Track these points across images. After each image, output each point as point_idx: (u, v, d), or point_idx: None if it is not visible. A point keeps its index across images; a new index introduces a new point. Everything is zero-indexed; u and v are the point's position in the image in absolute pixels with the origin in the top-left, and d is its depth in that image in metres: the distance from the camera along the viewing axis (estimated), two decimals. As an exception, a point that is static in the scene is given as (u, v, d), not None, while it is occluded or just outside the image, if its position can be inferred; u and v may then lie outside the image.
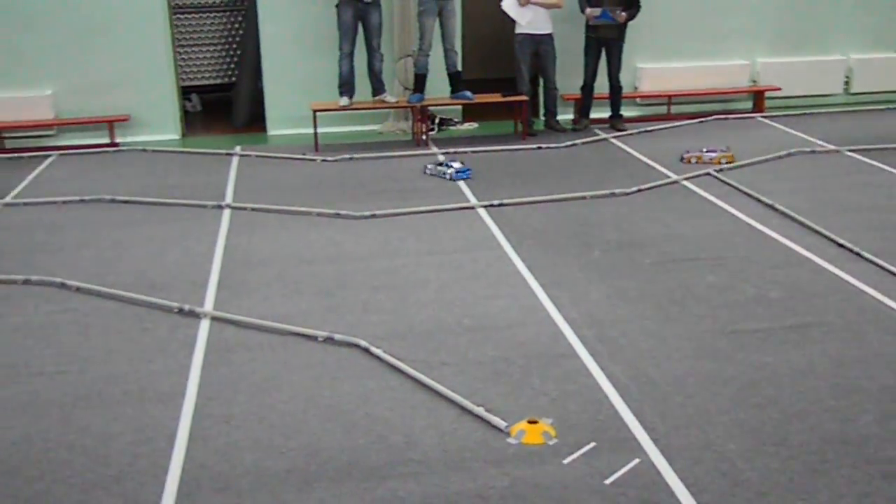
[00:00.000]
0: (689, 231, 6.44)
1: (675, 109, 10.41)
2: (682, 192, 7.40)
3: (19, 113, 9.39)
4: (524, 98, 9.53)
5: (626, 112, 10.04)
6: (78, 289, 5.56)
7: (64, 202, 7.44)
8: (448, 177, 7.82)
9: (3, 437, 3.93)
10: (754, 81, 10.67)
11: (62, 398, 4.26)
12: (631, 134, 9.55)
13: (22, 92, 9.45)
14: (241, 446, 3.83)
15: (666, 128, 9.78)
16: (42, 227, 6.83)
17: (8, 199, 7.55)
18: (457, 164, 7.95)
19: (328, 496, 3.47)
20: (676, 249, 6.07)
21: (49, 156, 9.13)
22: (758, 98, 10.61)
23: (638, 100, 10.44)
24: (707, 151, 8.27)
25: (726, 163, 8.13)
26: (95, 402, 4.22)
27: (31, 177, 8.29)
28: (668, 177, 7.78)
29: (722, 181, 7.63)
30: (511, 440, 3.85)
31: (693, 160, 8.23)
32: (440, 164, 8.03)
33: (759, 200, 7.04)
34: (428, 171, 8.07)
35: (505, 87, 9.83)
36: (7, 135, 9.49)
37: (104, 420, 4.06)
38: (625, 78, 9.80)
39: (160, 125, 9.87)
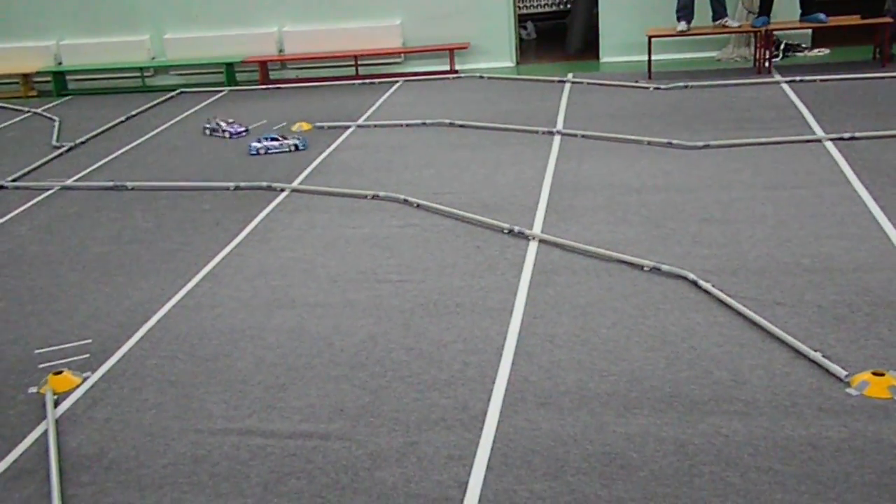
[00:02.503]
0: None
1: None
2: None
3: (373, 42, 10.18)
4: (888, 20, 8.51)
5: None
6: (419, 205, 5.95)
7: (407, 125, 7.96)
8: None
9: (353, 334, 4.36)
10: None
11: (403, 304, 4.62)
12: None
13: (375, 22, 10.21)
14: (563, 366, 3.91)
15: None
16: (388, 148, 7.38)
17: (360, 122, 8.23)
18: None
19: (649, 424, 3.45)
20: None
21: (396, 81, 9.80)
22: None
23: None
24: None
25: None
26: (432, 311, 4.52)
27: (380, 100, 8.96)
28: None
29: None
30: (851, 391, 3.55)
31: None
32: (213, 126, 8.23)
33: None
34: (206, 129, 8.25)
35: (867, 7, 8.83)
36: (362, 62, 10.34)
37: (439, 328, 4.35)
38: None
39: (496, 53, 10.20)
